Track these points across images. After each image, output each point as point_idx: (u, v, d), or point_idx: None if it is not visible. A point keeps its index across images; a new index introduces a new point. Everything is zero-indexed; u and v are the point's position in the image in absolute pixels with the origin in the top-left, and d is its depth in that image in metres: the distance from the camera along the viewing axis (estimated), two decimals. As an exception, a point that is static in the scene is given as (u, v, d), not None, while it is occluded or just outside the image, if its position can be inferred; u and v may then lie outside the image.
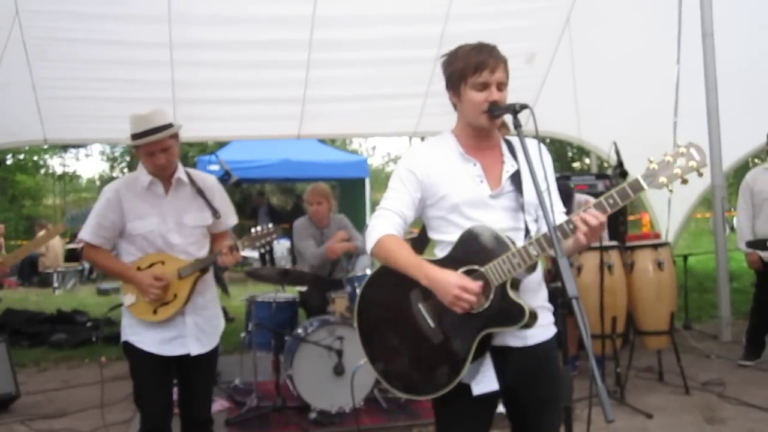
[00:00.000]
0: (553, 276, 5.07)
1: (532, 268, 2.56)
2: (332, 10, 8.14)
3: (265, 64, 8.65)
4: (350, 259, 6.55)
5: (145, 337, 3.75)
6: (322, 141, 17.60)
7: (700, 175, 2.38)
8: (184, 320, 3.78)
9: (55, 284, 14.82)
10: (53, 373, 7.42)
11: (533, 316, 2.50)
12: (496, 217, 2.63)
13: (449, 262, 2.58)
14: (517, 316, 2.48)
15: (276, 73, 8.86)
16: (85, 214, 4.37)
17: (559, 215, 2.65)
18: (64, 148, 26.02)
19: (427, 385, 2.62)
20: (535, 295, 2.67)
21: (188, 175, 3.86)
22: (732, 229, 14.82)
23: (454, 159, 2.68)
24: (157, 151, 3.65)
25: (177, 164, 3.82)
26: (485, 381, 2.57)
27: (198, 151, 20.13)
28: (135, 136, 3.66)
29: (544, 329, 2.68)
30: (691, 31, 7.96)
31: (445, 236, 2.68)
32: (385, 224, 2.67)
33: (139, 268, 3.74)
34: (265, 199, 19.29)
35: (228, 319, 9.89)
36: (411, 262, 2.57)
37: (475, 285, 2.45)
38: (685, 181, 2.38)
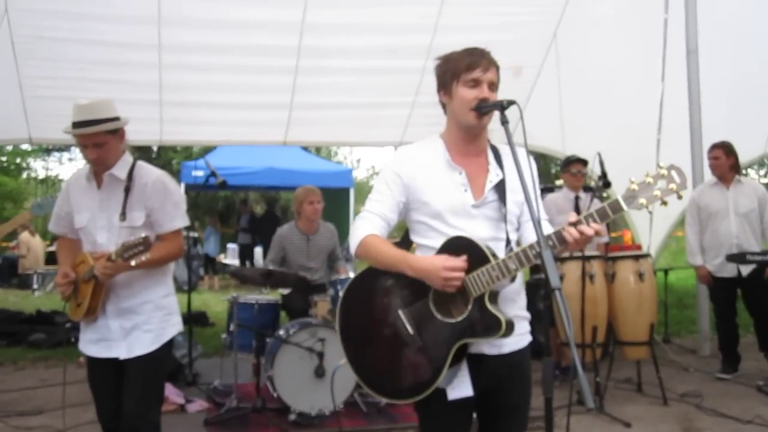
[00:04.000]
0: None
1: (511, 279, 2.59)
2: (322, 18, 8.17)
3: (253, 69, 8.64)
4: (334, 264, 6.55)
5: (82, 335, 3.72)
6: (307, 150, 17.60)
7: (680, 197, 2.39)
8: (108, 323, 3.62)
9: (35, 286, 14.73)
10: (31, 371, 7.36)
11: (510, 327, 2.54)
12: (477, 227, 2.66)
13: None
14: (494, 327, 2.51)
15: (264, 79, 8.86)
16: (50, 203, 4.33)
17: (544, 223, 2.71)
18: (48, 151, 25.92)
19: (403, 390, 2.65)
20: (513, 304, 2.71)
21: (131, 171, 3.63)
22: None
23: (440, 165, 2.71)
24: (89, 144, 3.50)
25: (119, 160, 3.63)
26: (461, 387, 2.62)
27: (183, 157, 20.11)
28: (73, 125, 3.52)
29: (520, 338, 2.73)
30: (676, 49, 8.06)
31: (427, 241, 2.71)
32: (368, 226, 2.71)
33: (75, 265, 3.68)
34: (249, 207, 19.28)
35: (208, 323, 9.93)
36: (394, 257, 2.62)
37: (459, 261, 2.49)
38: (664, 203, 2.38)
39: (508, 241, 2.70)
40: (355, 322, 2.77)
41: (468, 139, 2.74)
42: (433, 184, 2.68)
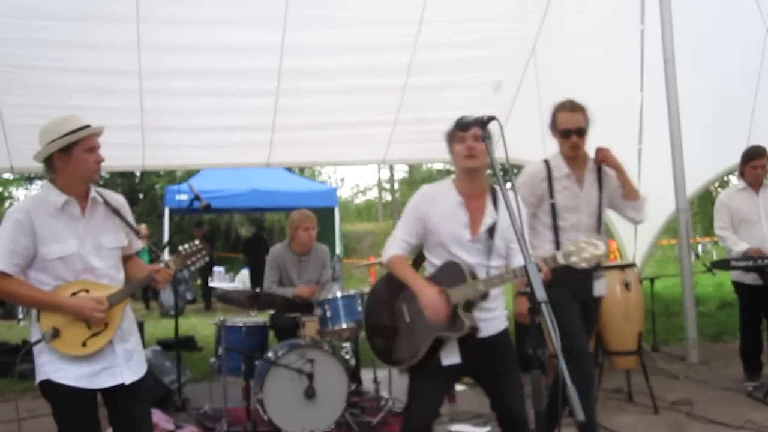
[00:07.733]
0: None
1: (483, 296, 3.60)
2: (302, 40, 8.21)
3: (234, 92, 8.66)
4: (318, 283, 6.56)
5: (70, 372, 3.37)
6: (291, 170, 17.59)
7: (600, 262, 3.52)
8: (114, 349, 3.45)
9: (20, 316, 14.60)
10: (20, 403, 7.27)
11: (473, 330, 3.57)
12: (470, 255, 3.68)
13: (430, 280, 3.69)
14: (460, 328, 3.57)
15: (245, 102, 8.88)
16: None
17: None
18: (30, 179, 25.79)
19: (397, 359, 3.80)
20: (488, 309, 3.72)
21: (100, 194, 3.59)
22: (697, 255, 14.99)
23: (451, 206, 3.74)
24: (96, 147, 3.42)
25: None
26: (452, 356, 3.66)
27: (166, 182, 20.06)
28: (73, 133, 3.38)
29: (494, 326, 3.76)
30: (654, 59, 8.14)
31: (433, 259, 3.82)
32: (395, 247, 3.83)
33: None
34: (203, 231, 19.11)
35: (196, 348, 9.88)
36: (409, 281, 3.69)
37: (443, 313, 3.54)
38: (590, 263, 3.38)
39: (489, 268, 3.69)
40: (376, 307, 3.96)
41: (469, 179, 3.75)
42: (443, 221, 3.73)
